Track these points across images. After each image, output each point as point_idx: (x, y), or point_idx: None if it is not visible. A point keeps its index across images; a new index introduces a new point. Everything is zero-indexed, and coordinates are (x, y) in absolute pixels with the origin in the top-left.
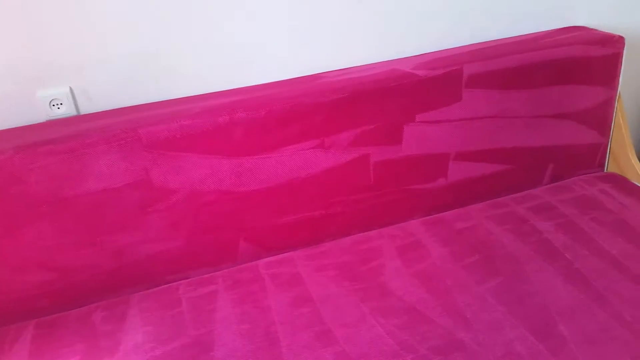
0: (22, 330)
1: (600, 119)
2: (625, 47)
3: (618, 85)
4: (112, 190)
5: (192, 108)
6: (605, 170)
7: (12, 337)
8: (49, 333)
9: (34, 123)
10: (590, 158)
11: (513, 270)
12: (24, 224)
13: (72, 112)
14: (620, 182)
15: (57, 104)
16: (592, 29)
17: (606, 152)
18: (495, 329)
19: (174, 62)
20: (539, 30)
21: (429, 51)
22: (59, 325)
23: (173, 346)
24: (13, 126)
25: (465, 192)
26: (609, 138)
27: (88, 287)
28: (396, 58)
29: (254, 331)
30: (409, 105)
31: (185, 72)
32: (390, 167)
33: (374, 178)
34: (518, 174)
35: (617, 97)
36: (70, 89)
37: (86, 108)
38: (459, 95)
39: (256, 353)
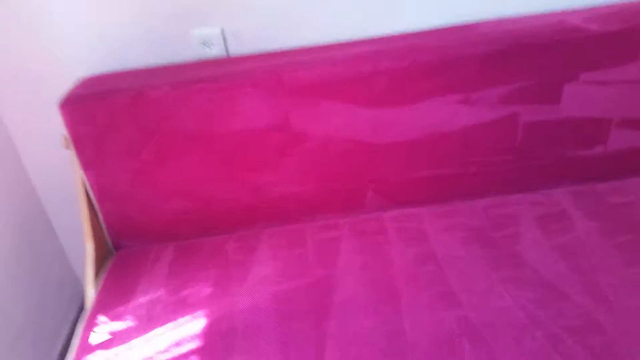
0: (163, 251)
1: None
2: None
3: None
4: (254, 130)
5: (335, 55)
6: None
7: (154, 256)
8: (186, 256)
9: (187, 62)
10: None
11: None
12: (175, 156)
13: (222, 53)
14: None
15: (209, 45)
16: None
17: None
18: None
19: (319, 8)
20: None
21: (603, 3)
22: (195, 250)
23: (297, 283)
24: (167, 63)
25: (626, 164)
26: None
27: (225, 219)
28: (563, 10)
29: (376, 282)
30: (574, 62)
31: (328, 19)
32: (541, 128)
33: (521, 139)
34: None
35: None
36: (222, 30)
37: (235, 50)
38: (635, 54)
39: (376, 303)
